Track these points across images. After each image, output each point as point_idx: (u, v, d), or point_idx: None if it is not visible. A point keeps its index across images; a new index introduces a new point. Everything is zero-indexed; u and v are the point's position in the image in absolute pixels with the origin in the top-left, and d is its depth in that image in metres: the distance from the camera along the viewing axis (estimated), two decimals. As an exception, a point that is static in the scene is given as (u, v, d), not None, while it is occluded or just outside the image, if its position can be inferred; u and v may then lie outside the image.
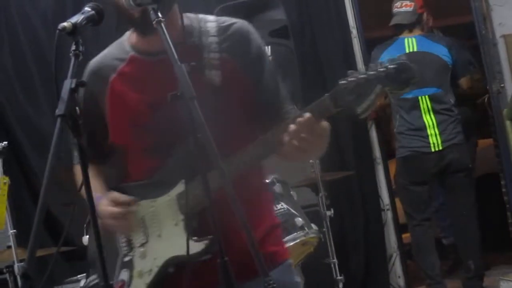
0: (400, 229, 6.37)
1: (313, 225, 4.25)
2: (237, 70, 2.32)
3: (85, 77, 2.45)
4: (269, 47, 5.53)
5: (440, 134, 5.54)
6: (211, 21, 2.37)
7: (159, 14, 2.06)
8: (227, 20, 2.41)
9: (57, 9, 5.76)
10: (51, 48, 5.58)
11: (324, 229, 4.73)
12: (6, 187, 4.30)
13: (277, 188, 4.19)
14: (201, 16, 2.40)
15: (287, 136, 2.11)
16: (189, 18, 2.38)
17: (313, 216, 4.63)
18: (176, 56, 2.01)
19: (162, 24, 2.05)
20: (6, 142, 4.43)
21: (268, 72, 2.41)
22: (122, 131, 2.37)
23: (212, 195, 2.14)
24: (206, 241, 2.24)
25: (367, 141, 6.20)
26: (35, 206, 5.08)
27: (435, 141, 5.53)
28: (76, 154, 2.62)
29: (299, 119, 2.09)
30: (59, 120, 1.93)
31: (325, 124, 2.15)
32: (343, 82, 1.98)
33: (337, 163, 6.00)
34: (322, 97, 2.06)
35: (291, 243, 4.07)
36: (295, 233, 4.10)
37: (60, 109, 1.94)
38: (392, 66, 1.88)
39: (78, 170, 2.58)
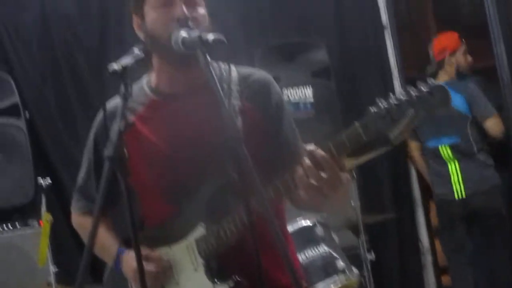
0: (440, 271, 6.29)
1: (354, 268, 4.21)
2: (257, 118, 2.33)
3: (100, 118, 2.48)
4: (311, 87, 5.56)
5: (463, 181, 5.46)
6: (232, 70, 2.38)
7: (208, 57, 2.04)
8: (248, 69, 2.44)
9: (100, 46, 5.82)
10: (94, 85, 5.64)
11: (364, 272, 4.68)
12: (48, 225, 4.33)
13: (319, 230, 4.17)
14: (221, 64, 2.41)
15: (303, 172, 2.01)
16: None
17: (352, 259, 4.57)
18: (223, 98, 2.00)
19: (211, 67, 2.05)
20: (49, 179, 4.47)
21: (288, 123, 2.41)
22: (140, 174, 2.33)
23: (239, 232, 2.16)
24: (230, 283, 2.22)
25: (407, 183, 6.14)
26: (76, 244, 5.11)
27: (458, 188, 5.46)
28: (80, 203, 2.61)
29: (316, 152, 1.99)
30: (107, 161, 1.93)
31: (346, 175, 2.04)
32: (373, 109, 1.93)
33: (377, 205, 5.96)
34: (352, 126, 1.97)
35: (332, 286, 4.04)
36: (336, 276, 4.06)
37: (109, 151, 1.94)
38: (425, 89, 1.84)
39: (83, 220, 2.59)
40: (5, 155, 5.16)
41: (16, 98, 5.30)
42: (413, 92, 1.86)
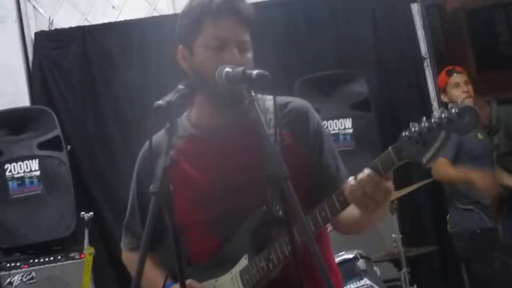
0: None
1: (396, 302, 4.18)
2: (296, 146, 2.31)
3: (143, 155, 2.48)
4: (351, 119, 5.54)
5: (448, 219, 5.42)
6: (268, 100, 2.37)
7: (252, 93, 2.05)
8: (284, 98, 2.42)
9: (140, 79, 5.88)
10: (134, 119, 5.69)
11: (407, 306, 4.63)
12: (91, 258, 4.36)
13: (361, 264, 4.14)
14: (258, 94, 2.38)
15: (349, 191, 2.07)
16: None
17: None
18: (268, 135, 2.00)
19: (255, 104, 2.04)
20: (92, 213, 4.50)
21: (328, 150, 2.39)
22: (184, 209, 2.31)
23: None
24: None
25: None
26: (117, 276, 5.13)
27: (448, 226, 5.42)
28: (127, 239, 2.61)
29: (361, 176, 2.05)
30: (153, 197, 1.93)
31: (389, 184, 2.08)
32: (405, 133, 1.95)
33: (419, 238, 5.90)
34: (386, 151, 2.02)
35: (374, 320, 4.02)
36: (378, 310, 4.04)
37: (155, 187, 1.94)
38: (454, 111, 1.85)
39: (131, 256, 2.58)
40: (47, 187, 5.21)
41: (57, 131, 5.36)
42: (444, 114, 1.87)
